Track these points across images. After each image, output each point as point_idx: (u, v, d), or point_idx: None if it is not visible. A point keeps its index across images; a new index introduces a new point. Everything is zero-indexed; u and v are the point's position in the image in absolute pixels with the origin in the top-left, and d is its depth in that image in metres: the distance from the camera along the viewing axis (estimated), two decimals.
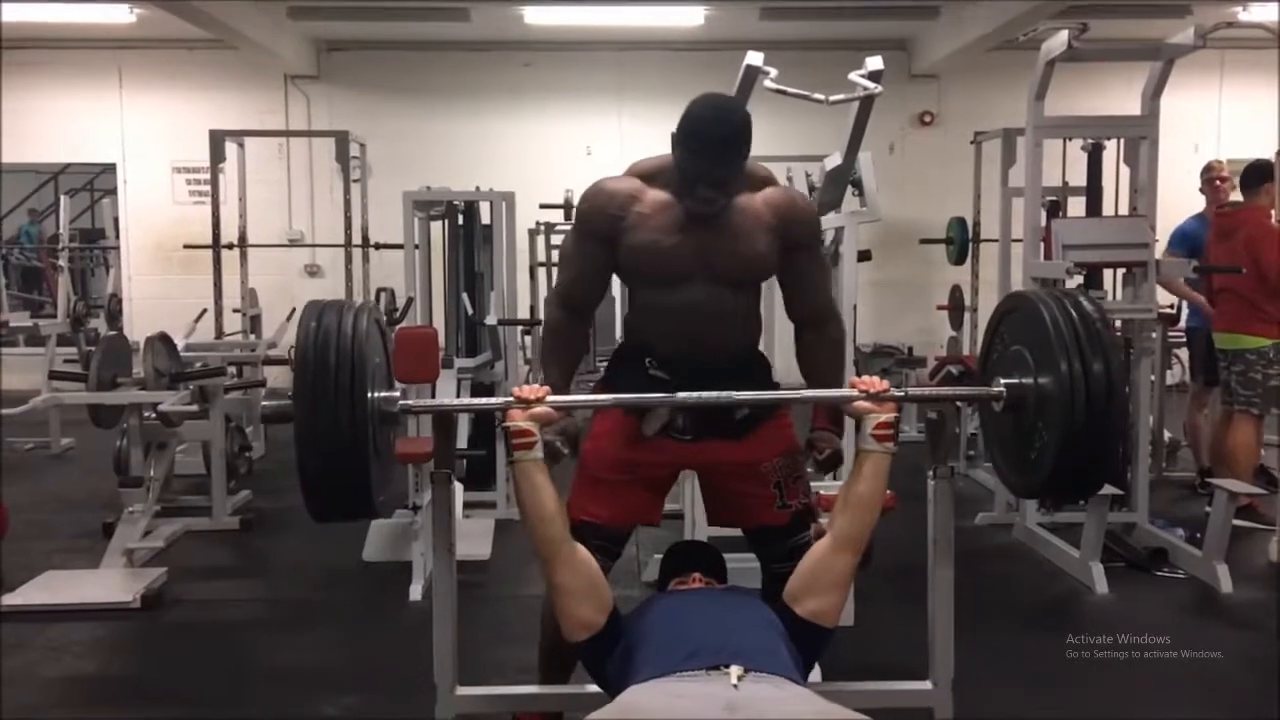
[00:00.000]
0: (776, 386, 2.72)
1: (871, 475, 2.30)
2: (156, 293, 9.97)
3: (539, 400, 2.29)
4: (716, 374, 2.51)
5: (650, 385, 2.55)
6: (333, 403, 2.02)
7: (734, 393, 2.42)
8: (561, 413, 2.45)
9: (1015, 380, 2.29)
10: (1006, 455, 2.35)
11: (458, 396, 5.26)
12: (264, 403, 2.11)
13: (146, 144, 10.19)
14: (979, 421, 6.58)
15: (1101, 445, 2.14)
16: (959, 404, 6.77)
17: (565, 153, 9.99)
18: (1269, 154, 5.24)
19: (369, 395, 2.10)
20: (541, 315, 8.46)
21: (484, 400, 2.46)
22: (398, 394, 2.26)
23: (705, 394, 2.40)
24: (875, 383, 2.34)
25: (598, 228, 2.48)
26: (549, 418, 2.31)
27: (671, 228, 2.43)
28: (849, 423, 2.71)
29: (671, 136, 2.41)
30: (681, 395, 2.40)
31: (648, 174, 2.49)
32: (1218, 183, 5.88)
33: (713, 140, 2.32)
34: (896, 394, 2.34)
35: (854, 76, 3.26)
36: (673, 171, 2.40)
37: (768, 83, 3.24)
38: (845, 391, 2.38)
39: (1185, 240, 5.90)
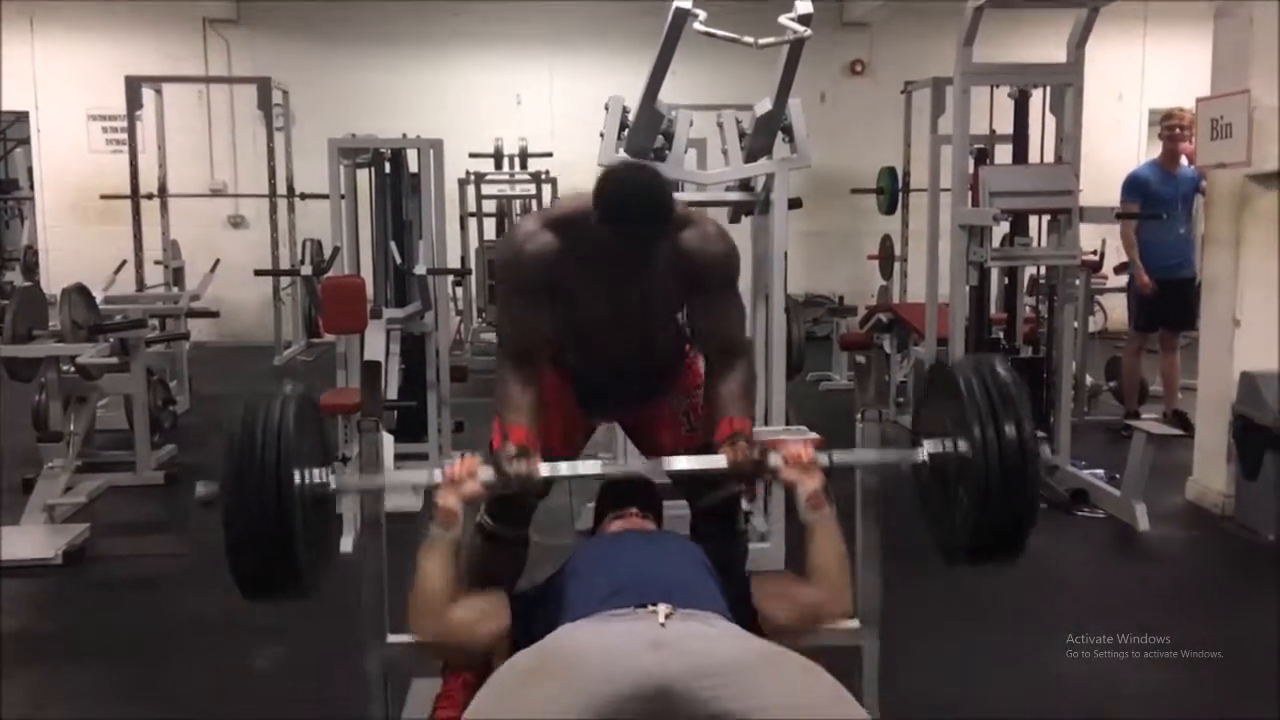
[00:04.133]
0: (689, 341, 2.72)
1: (823, 543, 2.23)
2: (74, 245, 9.70)
3: (468, 476, 2.21)
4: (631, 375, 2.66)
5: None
6: (258, 482, 2.06)
7: (664, 460, 2.47)
8: (527, 462, 2.29)
9: (938, 445, 2.29)
10: (934, 520, 2.35)
11: (387, 347, 5.21)
12: (198, 484, 2.16)
13: (60, 92, 9.89)
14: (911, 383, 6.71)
15: (1016, 508, 2.16)
16: (887, 352, 6.88)
17: (495, 101, 9.88)
18: (1189, 103, 5.31)
19: (298, 474, 2.10)
20: (472, 266, 8.43)
21: (411, 473, 2.45)
22: (330, 474, 2.24)
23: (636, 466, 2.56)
24: (800, 451, 2.29)
25: (529, 281, 2.42)
26: (478, 497, 2.25)
27: (593, 280, 2.40)
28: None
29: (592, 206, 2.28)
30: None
31: (564, 225, 2.40)
32: (1177, 131, 5.79)
33: (639, 223, 2.25)
34: (822, 460, 2.29)
35: (784, 20, 3.24)
36: (591, 221, 2.27)
37: (697, 25, 3.22)
38: (771, 459, 2.32)
39: (1137, 187, 5.89)
